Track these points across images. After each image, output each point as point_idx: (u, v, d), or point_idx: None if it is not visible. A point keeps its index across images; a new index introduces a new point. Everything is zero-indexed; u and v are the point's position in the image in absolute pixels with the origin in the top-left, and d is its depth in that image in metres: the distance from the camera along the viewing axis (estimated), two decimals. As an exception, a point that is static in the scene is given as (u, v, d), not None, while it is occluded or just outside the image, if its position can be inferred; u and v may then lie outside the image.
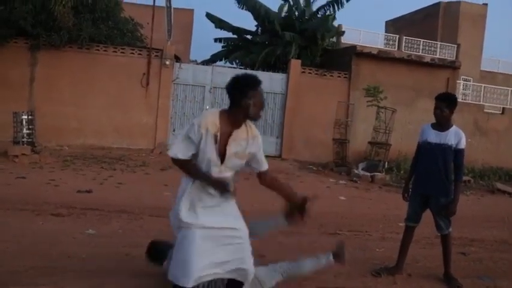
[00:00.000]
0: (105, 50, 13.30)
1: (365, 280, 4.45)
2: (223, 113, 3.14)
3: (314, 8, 17.70)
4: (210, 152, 3.05)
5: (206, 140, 3.03)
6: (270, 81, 14.50)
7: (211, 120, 3.06)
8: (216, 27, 17.33)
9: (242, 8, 17.08)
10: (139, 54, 13.55)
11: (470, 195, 11.73)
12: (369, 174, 12.18)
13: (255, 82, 3.13)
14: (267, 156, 13.18)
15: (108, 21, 13.74)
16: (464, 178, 14.07)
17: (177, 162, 3.17)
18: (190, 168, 3.17)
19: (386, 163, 13.22)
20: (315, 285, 4.17)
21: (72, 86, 13.00)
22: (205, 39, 20.29)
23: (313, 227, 6.62)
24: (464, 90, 18.88)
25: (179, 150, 3.10)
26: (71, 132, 12.80)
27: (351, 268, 4.70)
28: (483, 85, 19.28)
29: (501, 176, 14.89)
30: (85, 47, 12.94)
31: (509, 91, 18.82)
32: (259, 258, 4.77)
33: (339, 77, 15.18)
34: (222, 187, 3.11)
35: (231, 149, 3.10)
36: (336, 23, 18.75)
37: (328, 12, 17.10)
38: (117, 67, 13.27)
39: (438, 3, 28.02)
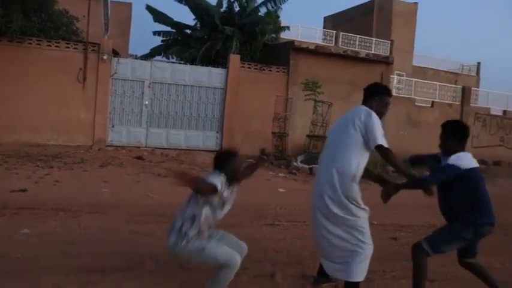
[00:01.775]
0: (38, 44, 12.86)
1: (302, 267, 4.68)
2: None
3: (256, 3, 17.91)
4: None
5: None
6: (210, 76, 14.62)
7: None
8: (154, 20, 17.18)
9: (181, 2, 17.02)
10: (75, 48, 13.21)
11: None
12: (307, 166, 12.56)
13: None
14: (207, 151, 13.56)
15: (41, 14, 13.23)
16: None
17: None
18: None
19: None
20: (249, 275, 4.35)
21: (2, 80, 12.46)
22: (144, 33, 20.02)
23: (253, 218, 6.85)
24: (398, 84, 19.80)
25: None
26: (2, 130, 12.29)
27: (289, 257, 4.94)
28: (414, 80, 20.33)
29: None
30: (16, 40, 12.44)
31: (438, 85, 19.95)
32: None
33: (278, 71, 15.50)
34: None
35: None
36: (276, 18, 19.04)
37: (270, 8, 17.39)
38: (51, 62, 12.87)
39: (373, 1, 29.09)
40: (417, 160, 4.30)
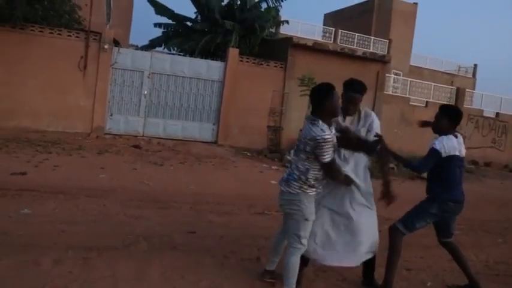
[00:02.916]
0: (40, 31, 13.05)
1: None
2: None
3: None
4: None
5: None
6: (208, 69, 14.84)
7: None
8: (156, 12, 17.35)
9: (182, -5, 17.21)
10: (77, 37, 13.40)
11: (394, 181, 12.61)
12: (300, 160, 12.81)
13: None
14: (203, 142, 13.82)
15: (44, 2, 13.42)
16: (390, 165, 15.15)
17: None
18: None
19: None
20: (236, 258, 4.64)
21: (4, 65, 12.66)
22: (145, 24, 20.18)
23: (244, 207, 7.13)
24: (395, 83, 20.06)
25: None
26: (4, 114, 12.50)
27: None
28: (409, 79, 20.60)
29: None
30: (19, 26, 12.63)
31: (432, 86, 20.22)
32: (190, 234, 5.25)
33: (275, 66, 15.74)
34: None
35: None
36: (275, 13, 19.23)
37: (270, 3, 17.59)
38: (53, 49, 13.06)
39: (373, 0, 29.30)
40: None
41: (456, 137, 4.09)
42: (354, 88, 4.05)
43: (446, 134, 4.07)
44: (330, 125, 3.66)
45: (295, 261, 3.68)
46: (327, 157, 3.55)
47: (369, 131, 4.05)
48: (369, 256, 4.05)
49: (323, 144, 3.50)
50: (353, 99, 4.03)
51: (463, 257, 4.37)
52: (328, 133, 3.54)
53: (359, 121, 4.13)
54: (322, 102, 3.64)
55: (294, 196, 3.66)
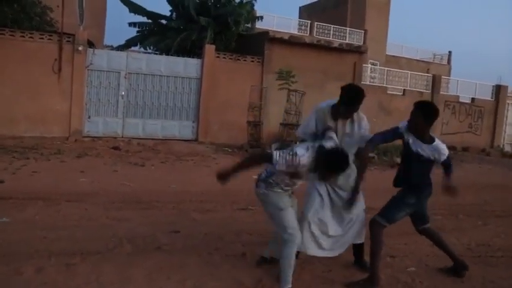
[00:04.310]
0: (11, 35, 12.79)
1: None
2: None
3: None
4: None
5: None
6: (185, 66, 14.77)
7: None
8: (130, 11, 17.15)
9: (156, -7, 17.06)
10: (50, 39, 13.18)
11: (374, 170, 12.75)
12: (281, 154, 12.84)
13: None
14: (183, 140, 13.76)
15: (14, 4, 13.16)
16: (370, 155, 15.31)
17: None
18: None
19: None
20: (221, 254, 4.63)
21: (-26, 72, 12.41)
22: (120, 24, 19.93)
23: (227, 204, 7.12)
24: (372, 73, 20.22)
25: None
26: (-23, 122, 12.27)
27: (261, 238, 5.16)
28: (386, 68, 20.79)
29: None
30: (-12, 31, 12.38)
31: (409, 74, 20.45)
32: (174, 233, 5.22)
33: (253, 61, 15.73)
34: None
35: None
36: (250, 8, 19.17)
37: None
38: (26, 53, 12.82)
39: (347, -10, 29.44)
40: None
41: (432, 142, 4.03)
42: (359, 100, 4.11)
43: (421, 134, 4.00)
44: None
45: (287, 253, 3.75)
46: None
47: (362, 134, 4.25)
48: (357, 241, 4.33)
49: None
50: (356, 110, 4.17)
51: (443, 240, 4.47)
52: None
53: (353, 124, 4.25)
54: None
55: (262, 195, 3.86)
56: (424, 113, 3.96)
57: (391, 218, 4.15)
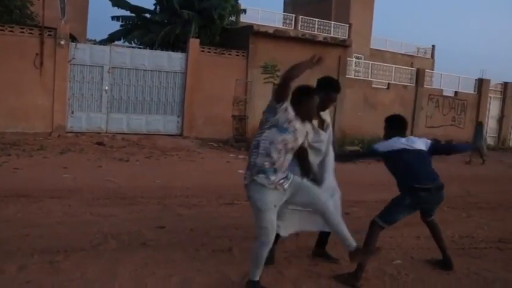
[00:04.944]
0: (-10, 29, 12.56)
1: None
2: None
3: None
4: None
5: None
6: (169, 61, 14.66)
7: None
8: (113, 5, 16.93)
9: (140, -14, 16.88)
10: (30, 33, 12.94)
11: (359, 164, 12.78)
12: (267, 148, 12.84)
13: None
14: (168, 135, 13.71)
15: (-8, -2, 12.95)
16: (354, 148, 15.37)
17: None
18: None
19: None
20: (207, 250, 4.61)
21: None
22: (103, 17, 19.72)
23: (213, 198, 7.09)
24: (356, 67, 20.29)
25: None
26: (-44, 118, 12.02)
27: (247, 233, 5.04)
28: (371, 62, 20.88)
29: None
30: (-34, 25, 12.11)
31: (393, 68, 20.56)
32: (160, 229, 5.18)
33: (237, 55, 15.66)
34: None
35: None
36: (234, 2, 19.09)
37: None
38: (6, 47, 12.57)
39: (331, -15, 29.49)
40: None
41: (403, 137, 4.40)
42: (334, 87, 4.16)
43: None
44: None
45: (259, 254, 3.53)
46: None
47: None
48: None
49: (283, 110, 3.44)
50: (333, 98, 4.14)
51: (440, 234, 4.57)
52: (297, 126, 3.52)
53: (326, 129, 4.22)
54: (301, 102, 3.60)
55: (247, 188, 3.54)
56: (391, 123, 4.51)
57: (390, 220, 4.24)
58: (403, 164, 4.26)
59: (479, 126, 16.09)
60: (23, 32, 12.87)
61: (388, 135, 4.46)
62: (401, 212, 4.23)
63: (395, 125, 4.51)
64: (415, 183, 4.14)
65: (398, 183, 4.32)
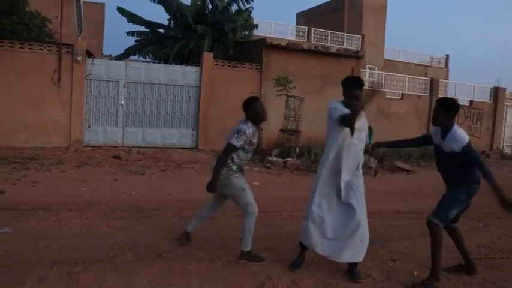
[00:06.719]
0: (10, 46, 12.85)
1: (274, 253, 4.98)
2: None
3: (226, 1, 18.10)
4: None
5: None
6: (184, 75, 14.82)
7: None
8: (128, 21, 17.24)
9: (154, 2, 17.16)
10: (49, 50, 13.24)
11: (368, 174, 12.72)
12: (281, 160, 12.90)
13: None
14: (183, 148, 13.77)
15: (12, 16, 13.23)
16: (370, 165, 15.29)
17: None
18: None
19: (297, 149, 14.03)
20: (222, 261, 4.65)
21: (-25, 83, 12.43)
22: (118, 33, 20.04)
23: (227, 210, 7.09)
24: (370, 78, 20.29)
25: None
26: (-23, 133, 12.28)
27: (261, 244, 5.10)
28: (384, 73, 20.86)
29: (401, 155, 16.16)
30: (-13, 43, 12.42)
31: (407, 78, 20.50)
32: (175, 241, 5.22)
33: (251, 68, 15.79)
34: None
35: None
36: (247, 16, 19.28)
37: (241, 5, 17.65)
38: (25, 64, 12.88)
39: (343, -4, 29.62)
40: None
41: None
42: (355, 85, 4.31)
43: (449, 126, 4.27)
44: (255, 127, 4.69)
45: (249, 224, 4.63)
46: (235, 141, 4.51)
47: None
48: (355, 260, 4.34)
49: (241, 134, 4.52)
50: (356, 95, 4.24)
51: (463, 238, 4.65)
52: (251, 131, 4.59)
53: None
54: (249, 109, 4.72)
55: (225, 179, 4.61)
56: (444, 107, 4.30)
57: (446, 218, 4.28)
58: (469, 158, 4.23)
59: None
60: (41, 49, 13.17)
61: (444, 121, 4.30)
62: (457, 208, 4.32)
63: (453, 111, 4.35)
64: (477, 178, 4.24)
65: (463, 176, 4.27)
